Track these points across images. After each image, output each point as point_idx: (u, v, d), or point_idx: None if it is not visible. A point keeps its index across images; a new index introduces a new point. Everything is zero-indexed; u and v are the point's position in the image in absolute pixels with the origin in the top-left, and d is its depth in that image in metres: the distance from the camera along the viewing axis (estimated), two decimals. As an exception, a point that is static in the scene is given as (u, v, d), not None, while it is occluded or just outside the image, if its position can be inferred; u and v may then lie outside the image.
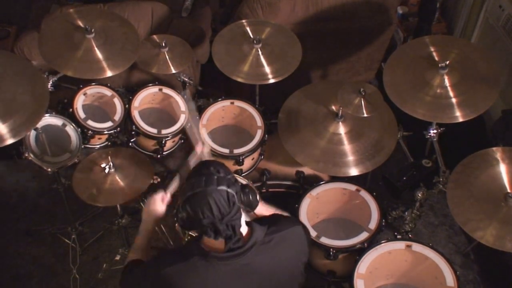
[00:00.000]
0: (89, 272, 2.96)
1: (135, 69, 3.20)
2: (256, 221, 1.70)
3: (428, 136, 2.45)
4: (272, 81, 2.65)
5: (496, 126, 3.16)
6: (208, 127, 2.72)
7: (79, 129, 2.61)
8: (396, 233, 2.42)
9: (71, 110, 2.63)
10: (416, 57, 2.41)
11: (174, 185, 1.96)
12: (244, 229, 1.65)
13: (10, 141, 2.14)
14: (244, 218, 1.65)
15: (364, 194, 2.39)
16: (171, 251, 1.81)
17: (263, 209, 1.91)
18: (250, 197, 1.67)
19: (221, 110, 2.80)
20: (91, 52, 2.51)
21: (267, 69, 2.67)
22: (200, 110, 2.76)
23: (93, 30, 2.51)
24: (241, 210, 1.63)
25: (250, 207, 1.66)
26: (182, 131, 2.78)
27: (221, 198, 1.56)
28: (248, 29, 2.77)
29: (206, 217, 1.56)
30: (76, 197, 2.34)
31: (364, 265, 2.11)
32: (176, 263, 1.62)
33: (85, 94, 2.71)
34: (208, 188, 1.56)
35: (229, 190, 1.58)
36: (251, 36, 2.73)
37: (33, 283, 2.95)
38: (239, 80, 2.64)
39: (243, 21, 2.83)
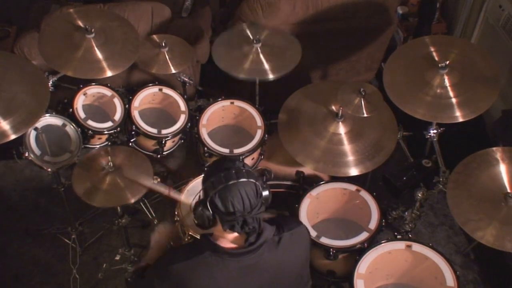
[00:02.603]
0: (89, 272, 2.95)
1: (135, 69, 3.20)
2: (265, 220, 1.70)
3: (428, 136, 2.45)
4: (271, 77, 2.65)
5: (496, 126, 3.16)
6: (208, 127, 2.72)
7: (79, 129, 2.61)
8: (396, 233, 2.42)
9: (71, 110, 2.63)
10: (416, 57, 2.41)
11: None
12: None
13: (11, 137, 2.13)
14: None
15: (364, 194, 2.39)
16: (182, 247, 1.82)
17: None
18: (267, 192, 1.68)
19: (221, 110, 2.80)
20: (91, 52, 2.51)
21: (267, 66, 2.67)
22: (200, 110, 2.76)
23: (93, 30, 2.51)
24: None
25: (267, 202, 1.67)
26: (182, 131, 2.78)
27: (251, 190, 1.58)
28: (247, 31, 2.77)
29: (237, 210, 1.56)
30: (76, 197, 2.34)
31: (364, 265, 2.11)
32: (187, 258, 1.62)
33: (85, 94, 2.71)
34: (240, 181, 1.56)
35: (257, 183, 1.60)
36: (251, 36, 2.72)
37: (33, 283, 2.95)
38: (240, 76, 2.63)
39: (243, 24, 2.82)
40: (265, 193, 1.65)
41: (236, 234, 1.61)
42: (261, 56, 2.67)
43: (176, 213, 2.36)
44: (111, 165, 2.36)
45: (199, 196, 1.68)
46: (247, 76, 2.64)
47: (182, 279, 1.60)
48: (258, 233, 1.64)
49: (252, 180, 1.59)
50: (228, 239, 1.63)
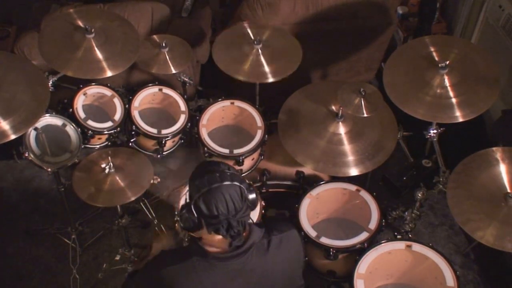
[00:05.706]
0: (89, 272, 2.96)
1: (135, 69, 3.20)
2: (254, 223, 1.71)
3: (428, 136, 2.45)
4: (271, 80, 2.65)
5: (496, 126, 3.16)
6: (208, 127, 2.72)
7: (79, 129, 2.61)
8: (396, 233, 2.43)
9: (71, 110, 2.63)
10: (416, 57, 2.41)
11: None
12: None
13: (11, 137, 2.13)
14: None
15: (364, 194, 2.39)
16: (171, 252, 1.82)
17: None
18: (254, 195, 1.68)
19: (221, 110, 2.79)
20: (91, 52, 2.50)
21: (267, 68, 2.67)
22: (200, 110, 2.76)
23: (93, 30, 2.51)
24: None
25: (254, 205, 1.67)
26: (182, 131, 2.78)
27: (235, 193, 1.58)
28: (248, 31, 2.77)
29: (221, 213, 1.56)
30: (76, 197, 2.34)
31: (364, 265, 2.11)
32: (175, 263, 1.62)
33: (85, 94, 2.71)
34: (223, 184, 1.57)
35: (241, 186, 1.60)
36: (252, 37, 2.73)
37: (33, 283, 2.95)
38: (240, 78, 2.63)
39: (244, 23, 2.82)
40: (251, 196, 1.65)
41: (221, 238, 1.61)
42: (262, 58, 2.67)
43: (176, 213, 2.36)
44: (111, 165, 2.37)
45: (185, 199, 1.68)
46: (247, 79, 2.64)
47: (171, 283, 1.60)
48: (245, 237, 1.63)
49: (236, 183, 1.58)
50: (215, 243, 1.63)
